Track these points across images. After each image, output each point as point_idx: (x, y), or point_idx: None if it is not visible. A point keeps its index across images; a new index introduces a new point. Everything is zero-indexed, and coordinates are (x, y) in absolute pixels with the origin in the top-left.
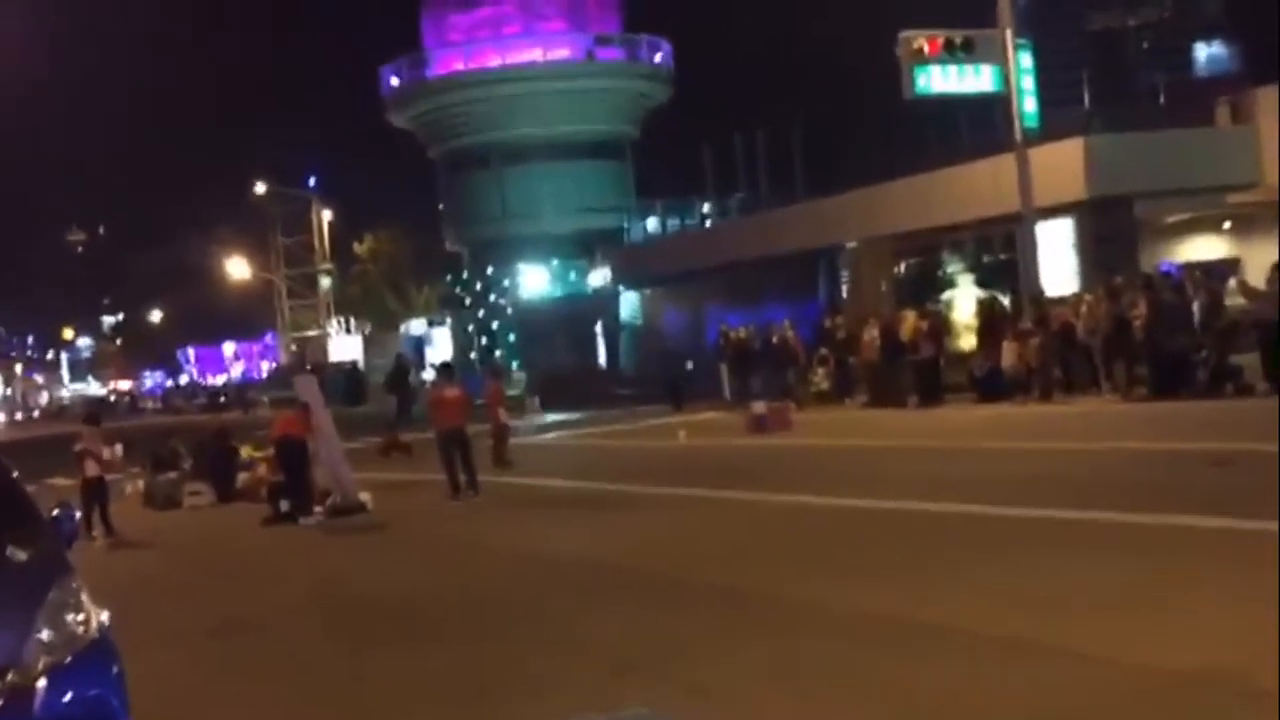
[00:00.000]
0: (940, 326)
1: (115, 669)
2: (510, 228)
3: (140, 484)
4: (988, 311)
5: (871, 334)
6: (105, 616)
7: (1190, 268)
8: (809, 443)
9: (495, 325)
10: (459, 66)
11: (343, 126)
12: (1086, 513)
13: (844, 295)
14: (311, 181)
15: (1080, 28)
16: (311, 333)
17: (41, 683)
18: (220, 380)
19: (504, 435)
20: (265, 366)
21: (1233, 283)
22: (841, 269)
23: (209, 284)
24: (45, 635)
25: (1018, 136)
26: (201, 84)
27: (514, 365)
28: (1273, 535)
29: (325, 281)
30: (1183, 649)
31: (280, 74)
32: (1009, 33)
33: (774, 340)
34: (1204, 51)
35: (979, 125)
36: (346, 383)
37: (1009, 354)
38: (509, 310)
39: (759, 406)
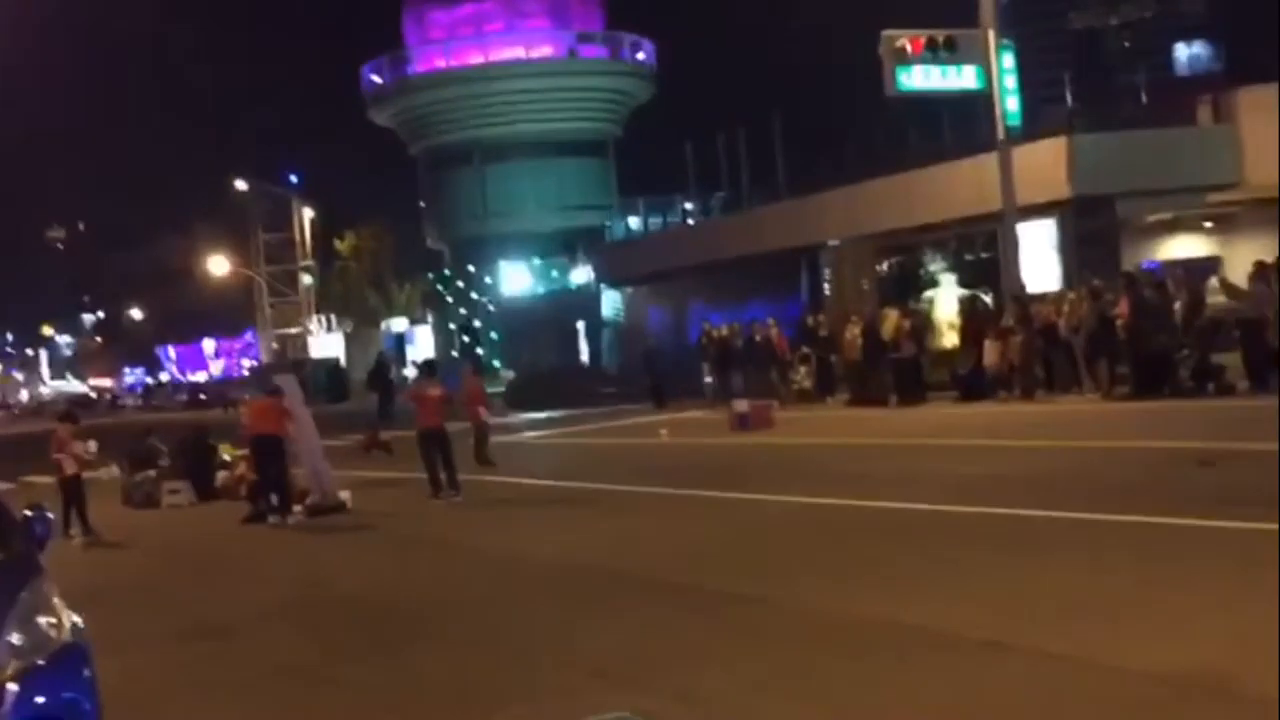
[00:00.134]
0: (922, 325)
1: (87, 672)
2: (492, 225)
3: (114, 468)
4: (970, 310)
5: (853, 333)
6: (78, 619)
7: (1172, 266)
8: (791, 441)
9: (477, 323)
10: (441, 64)
11: (324, 124)
12: (1069, 513)
13: (826, 294)
14: (293, 179)
15: (1062, 27)
16: (293, 330)
17: (12, 686)
18: (201, 378)
19: (485, 434)
20: (246, 364)
21: (1214, 281)
22: (823, 267)
23: (190, 281)
24: (15, 638)
25: (1000, 135)
26: (182, 80)
27: (496, 363)
28: (1261, 535)
29: (306, 279)
30: (1167, 652)
31: (261, 71)
32: (991, 32)
33: (757, 339)
34: (1185, 51)
35: (961, 124)
36: (328, 380)
37: (991, 353)
38: (491, 308)
39: (741, 405)
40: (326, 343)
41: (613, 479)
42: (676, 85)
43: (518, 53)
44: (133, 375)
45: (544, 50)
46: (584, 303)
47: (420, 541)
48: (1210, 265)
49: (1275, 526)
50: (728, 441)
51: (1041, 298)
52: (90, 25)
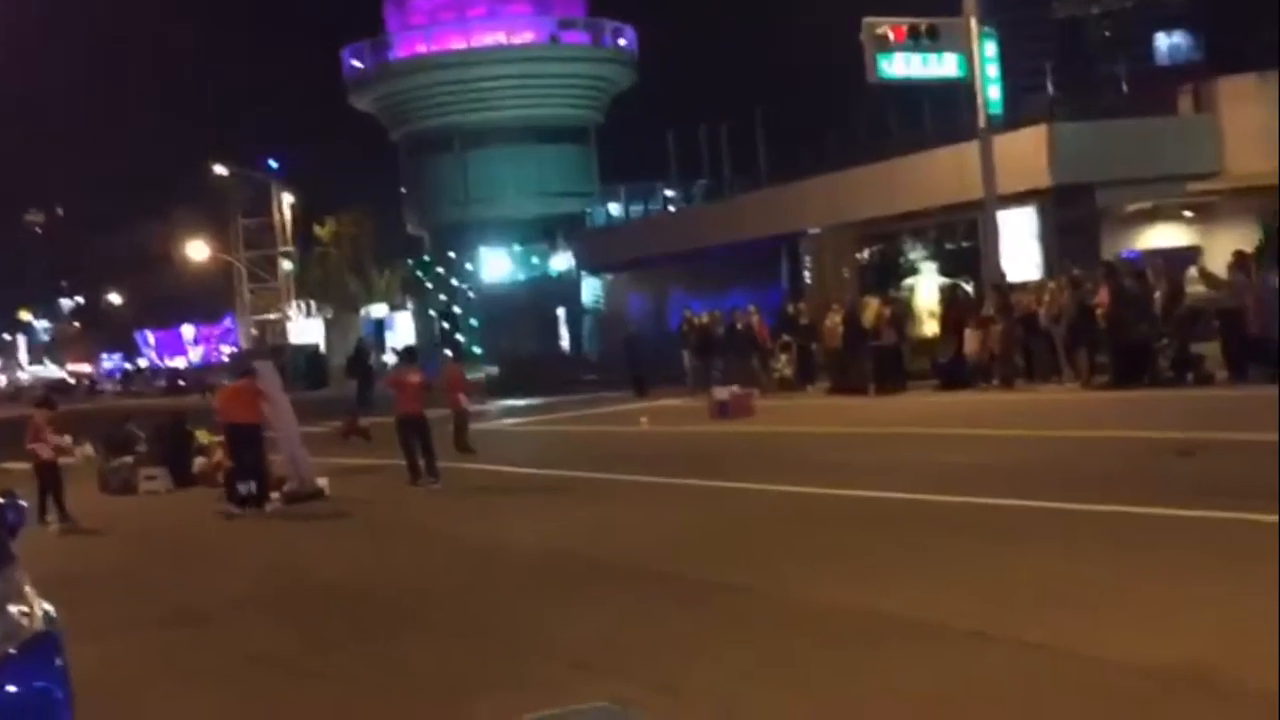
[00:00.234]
0: (903, 314)
1: (59, 661)
2: (473, 212)
3: (88, 447)
4: (950, 299)
5: (834, 321)
6: (50, 607)
7: (1152, 256)
8: (771, 429)
9: (457, 310)
10: (421, 49)
11: (305, 109)
12: (1049, 502)
13: (807, 282)
14: (273, 164)
15: (1044, 16)
16: (272, 316)
17: None
18: (180, 364)
19: (465, 421)
20: (225, 350)
21: (1194, 271)
22: (804, 255)
23: (169, 267)
24: None
25: (981, 124)
26: (162, 65)
27: (476, 350)
28: (1240, 525)
29: (286, 264)
30: (1147, 643)
31: (242, 56)
32: (973, 20)
33: (739, 326)
34: (1165, 41)
35: (943, 112)
36: (307, 366)
37: (971, 341)
38: (471, 295)
39: (721, 393)
40: (306, 329)
41: (593, 466)
42: (658, 72)
43: (499, 38)
44: (111, 361)
45: (525, 36)
46: (564, 290)
47: (399, 529)
48: (1190, 255)
49: (1253, 516)
50: (708, 429)
51: (1022, 287)
52: (67, 10)
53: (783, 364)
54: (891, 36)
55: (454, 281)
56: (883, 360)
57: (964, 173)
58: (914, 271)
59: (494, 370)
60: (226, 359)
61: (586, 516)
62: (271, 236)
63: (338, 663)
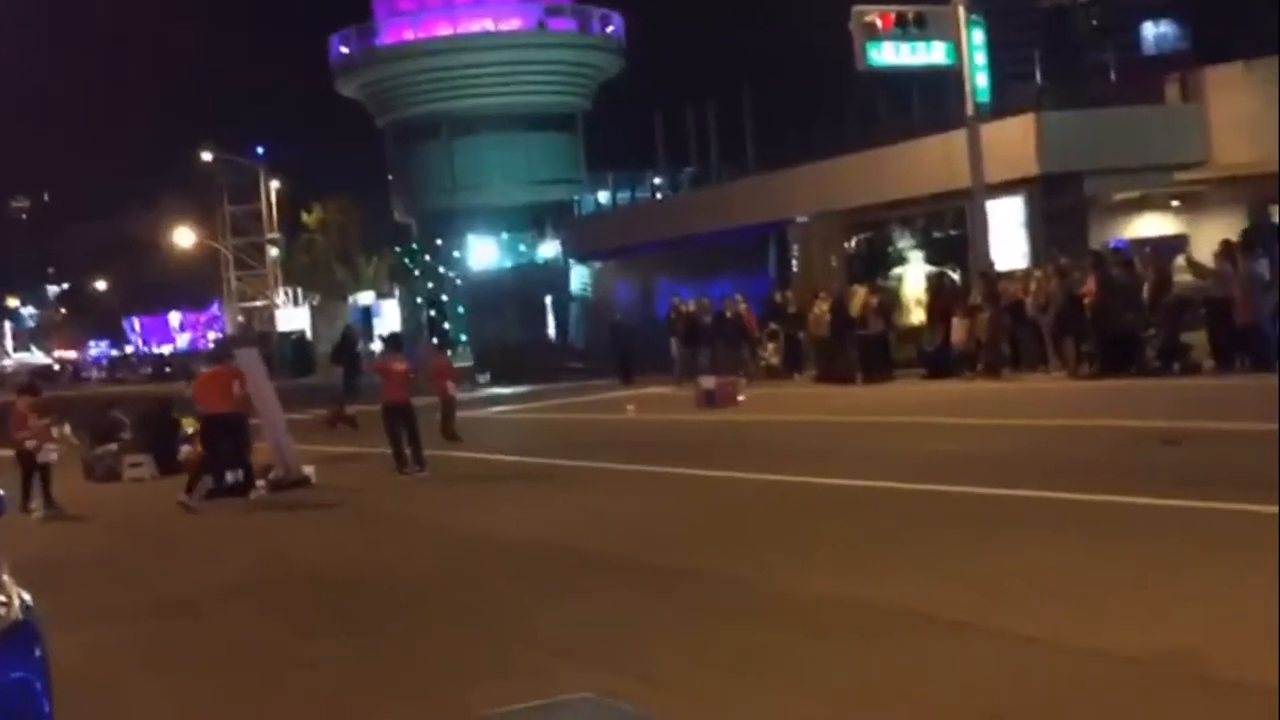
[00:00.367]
0: (890, 302)
1: (38, 652)
2: (460, 199)
3: (66, 428)
4: (937, 287)
5: (821, 309)
6: (28, 596)
7: (1139, 245)
8: (758, 418)
9: (444, 297)
10: (409, 35)
11: (291, 96)
12: (1036, 491)
13: (794, 270)
14: (259, 151)
15: (1031, 4)
16: (259, 303)
17: None
18: (166, 350)
19: (452, 409)
20: (212, 336)
21: (1181, 260)
22: (792, 244)
23: (155, 253)
24: None
25: (969, 112)
26: (148, 51)
27: (462, 337)
28: (1227, 514)
29: (273, 251)
30: (1135, 633)
31: (228, 41)
32: (961, 8)
33: (728, 314)
34: (1152, 30)
35: (931, 100)
36: (294, 353)
37: (958, 330)
38: (458, 282)
39: (708, 381)
40: (293, 316)
41: (579, 455)
42: (646, 59)
43: (486, 25)
44: (98, 347)
45: (512, 23)
46: (552, 277)
47: (385, 517)
48: (1177, 244)
49: (1241, 506)
50: (694, 418)
51: (1009, 275)
52: None
53: (770, 352)
54: (880, 24)
55: (441, 269)
56: (869, 349)
57: (952, 161)
58: (902, 260)
59: (470, 363)
60: (212, 345)
61: (572, 505)
62: (258, 223)
63: (323, 652)
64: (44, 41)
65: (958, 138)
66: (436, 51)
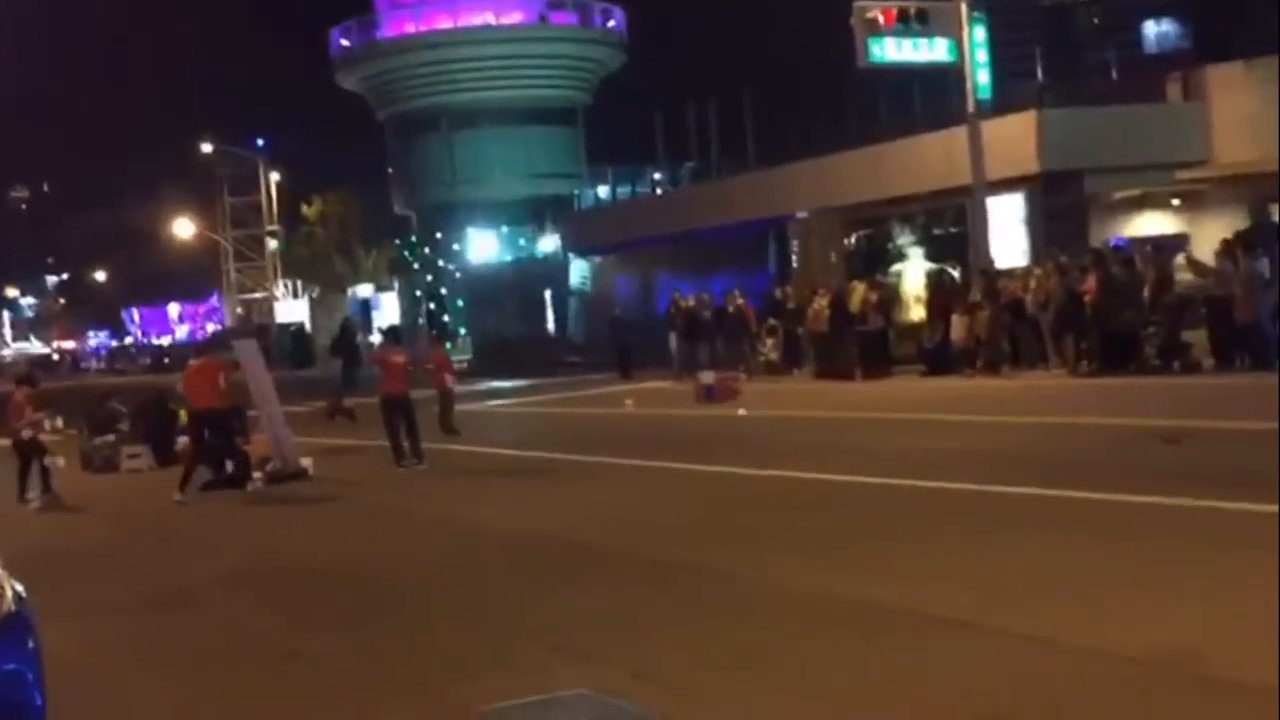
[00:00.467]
0: (889, 298)
1: (31, 644)
2: (460, 192)
3: (59, 421)
4: (937, 284)
5: (820, 305)
6: (20, 588)
7: (1140, 243)
8: (757, 414)
9: (443, 290)
10: (410, 28)
11: (291, 88)
12: (1034, 489)
13: (794, 266)
14: (260, 143)
15: (1033, 2)
16: (258, 295)
17: None
18: (166, 341)
19: (450, 402)
20: (211, 328)
21: (1182, 259)
22: (792, 239)
23: (155, 244)
24: None
25: (970, 109)
26: (149, 42)
27: (461, 330)
28: (1226, 514)
29: (272, 243)
30: (1135, 632)
31: (229, 34)
32: (964, 5)
33: (730, 309)
34: (1153, 28)
35: (932, 97)
36: (293, 346)
37: (958, 327)
38: (457, 275)
39: (707, 376)
40: (292, 308)
41: (578, 449)
42: (647, 54)
43: (487, 18)
44: (97, 338)
45: (514, 16)
46: (551, 271)
47: (382, 511)
48: (1178, 242)
49: (1241, 505)
50: (693, 413)
51: (1009, 273)
52: None
53: (769, 348)
54: (881, 20)
55: (440, 262)
56: (868, 345)
57: (953, 158)
58: (902, 257)
59: (468, 356)
60: (209, 337)
61: (570, 499)
62: (258, 215)
63: (320, 645)
64: (45, 33)
65: (958, 134)
66: (437, 44)
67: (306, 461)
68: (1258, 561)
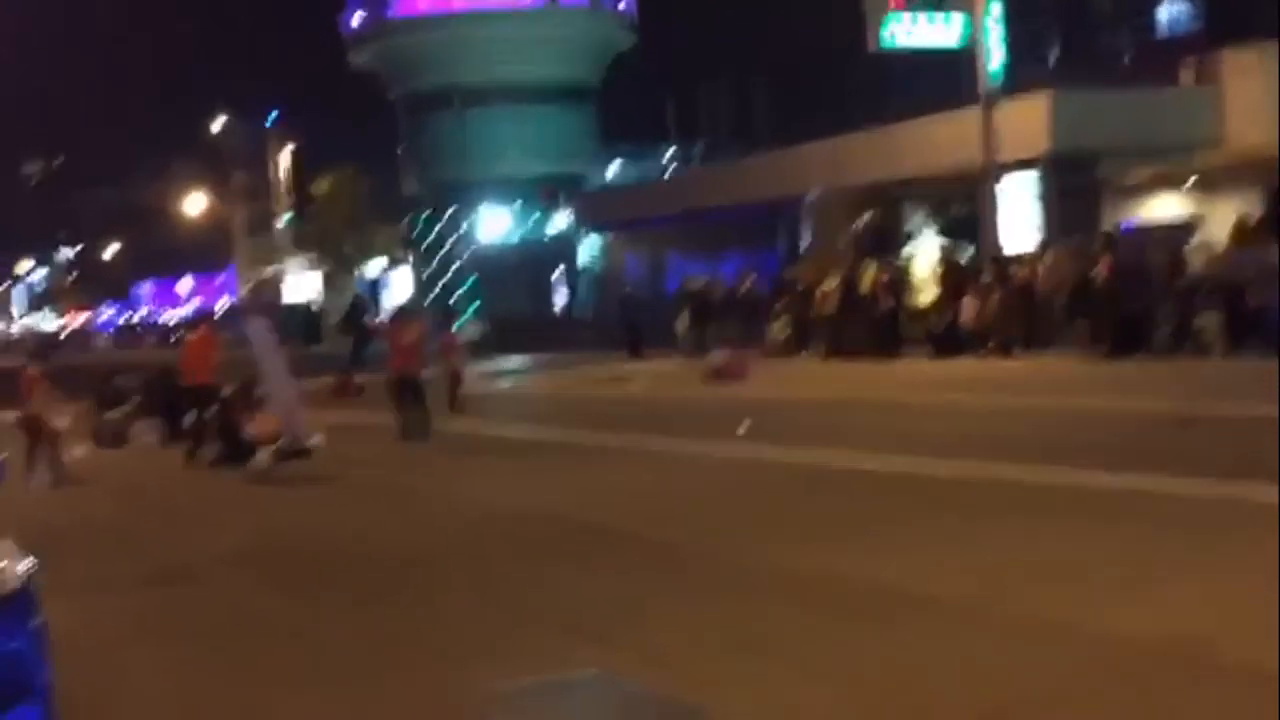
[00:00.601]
0: (900, 279)
1: (36, 621)
2: (471, 171)
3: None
4: (948, 266)
5: (831, 285)
6: (26, 564)
7: (1152, 227)
8: (766, 394)
9: (454, 268)
10: (422, 6)
11: (303, 65)
12: (1046, 473)
13: (804, 246)
14: (271, 119)
15: None
16: (268, 271)
17: None
18: (175, 316)
19: (459, 381)
20: (221, 303)
21: (1194, 242)
22: (803, 219)
23: (166, 220)
24: None
25: (984, 91)
26: (162, 16)
27: (472, 309)
28: (1236, 499)
29: (283, 219)
30: (1146, 617)
31: (242, 10)
32: None
33: (742, 289)
34: (1167, 12)
35: (945, 78)
36: (303, 322)
37: (969, 309)
38: (467, 254)
39: (716, 357)
40: (303, 284)
41: (586, 428)
42: (659, 34)
43: None
44: (107, 313)
45: None
46: (561, 250)
47: (389, 490)
48: (1191, 226)
49: (1251, 490)
50: (702, 393)
51: (1020, 256)
52: None
53: (779, 328)
54: (892, 1)
55: (451, 240)
56: (878, 326)
57: (965, 140)
58: (912, 238)
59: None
60: (217, 313)
61: (578, 479)
62: (269, 191)
63: (325, 623)
64: (57, 11)
65: (970, 116)
66: (449, 23)
67: (315, 439)
68: (1269, 547)
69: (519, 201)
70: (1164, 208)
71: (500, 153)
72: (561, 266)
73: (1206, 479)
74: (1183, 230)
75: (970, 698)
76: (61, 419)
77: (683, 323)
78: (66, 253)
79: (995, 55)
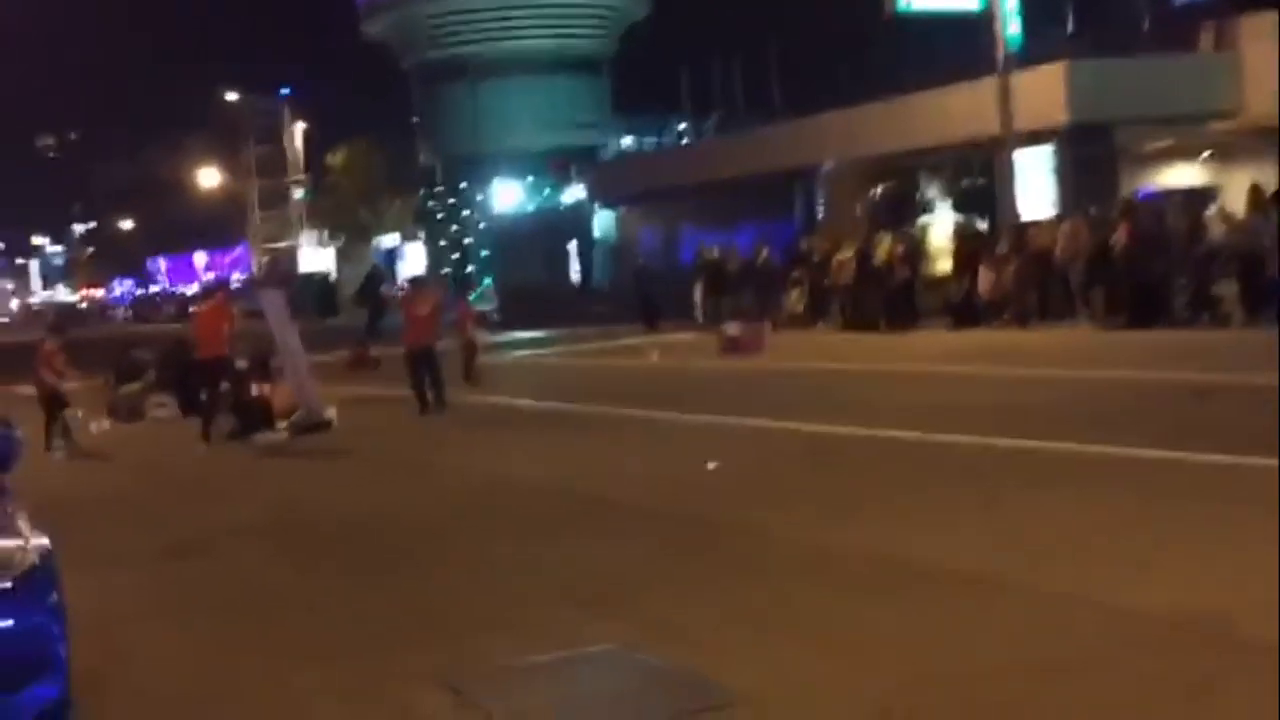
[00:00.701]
0: (916, 250)
1: (54, 597)
2: (485, 142)
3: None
4: (964, 236)
5: (846, 256)
6: (45, 540)
7: (1170, 195)
8: (782, 365)
9: (468, 240)
10: None
11: (316, 36)
12: (1064, 443)
13: (820, 217)
14: (285, 91)
15: None
16: (283, 244)
17: None
18: (191, 289)
19: (474, 353)
20: (236, 277)
21: (1212, 211)
22: (818, 190)
23: (180, 193)
24: None
25: (1000, 59)
26: None
27: (486, 280)
28: (1253, 470)
29: (298, 193)
30: (1164, 591)
31: None
32: None
33: (759, 260)
34: None
35: (961, 47)
36: (319, 293)
37: (985, 279)
38: (481, 225)
39: (732, 328)
40: (317, 257)
41: (601, 400)
42: (673, 4)
43: None
44: (122, 286)
45: None
46: (576, 221)
47: (405, 462)
48: (1209, 195)
49: (1271, 461)
50: (718, 365)
51: (1037, 225)
52: None
53: (794, 299)
54: None
55: (465, 212)
56: (894, 296)
57: (981, 109)
58: (929, 208)
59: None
60: (236, 285)
61: (595, 451)
62: (283, 164)
63: (340, 596)
64: None
65: (987, 85)
66: None
67: (331, 412)
68: None
69: (532, 173)
70: (1182, 175)
71: (513, 123)
72: (575, 240)
73: (1226, 451)
74: (1202, 195)
75: (989, 668)
76: (72, 392)
77: (698, 294)
78: (80, 228)
79: (1012, 25)
